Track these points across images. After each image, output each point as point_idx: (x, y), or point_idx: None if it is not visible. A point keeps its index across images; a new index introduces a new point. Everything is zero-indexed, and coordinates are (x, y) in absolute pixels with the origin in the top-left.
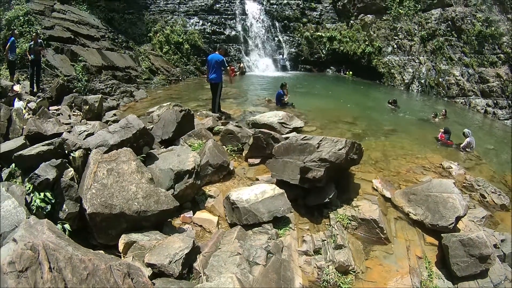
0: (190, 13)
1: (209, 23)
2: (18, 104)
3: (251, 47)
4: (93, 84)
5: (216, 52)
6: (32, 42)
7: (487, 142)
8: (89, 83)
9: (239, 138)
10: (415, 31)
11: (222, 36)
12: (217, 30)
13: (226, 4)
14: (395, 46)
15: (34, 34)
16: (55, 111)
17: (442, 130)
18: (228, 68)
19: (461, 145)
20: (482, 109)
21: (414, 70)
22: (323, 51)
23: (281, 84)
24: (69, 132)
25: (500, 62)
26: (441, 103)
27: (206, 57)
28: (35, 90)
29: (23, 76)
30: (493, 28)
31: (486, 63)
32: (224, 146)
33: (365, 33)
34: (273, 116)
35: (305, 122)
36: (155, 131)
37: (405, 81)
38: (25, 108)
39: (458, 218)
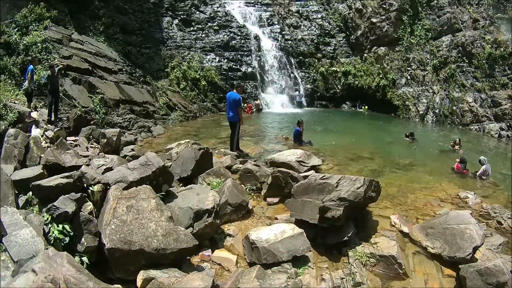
0: (206, 49)
1: (226, 60)
2: (35, 131)
3: (267, 84)
4: (110, 117)
5: (234, 91)
6: (49, 72)
7: (502, 167)
8: (107, 116)
9: (258, 177)
10: (428, 60)
11: (238, 73)
12: (233, 66)
13: (242, 41)
14: (409, 77)
15: (51, 66)
16: (72, 142)
17: (458, 160)
18: (243, 107)
19: (477, 173)
20: (496, 133)
21: (428, 100)
22: (339, 86)
23: (298, 121)
24: (88, 165)
25: (511, 83)
26: (455, 131)
27: (223, 93)
28: (52, 118)
29: (40, 104)
30: (502, 49)
31: (497, 85)
32: (243, 185)
33: (378, 66)
34: (291, 155)
35: (323, 159)
36: (174, 169)
37: (420, 112)
38: (42, 136)
39: (476, 248)
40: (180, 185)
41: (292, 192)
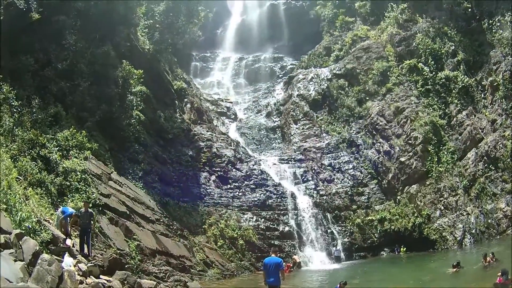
0: (243, 208)
1: (263, 219)
2: (68, 260)
3: (305, 241)
4: (146, 265)
5: (272, 255)
6: (83, 210)
7: None
8: (142, 263)
9: None
10: (458, 184)
11: (276, 232)
12: (270, 226)
13: (278, 199)
14: (442, 207)
15: (86, 203)
16: (106, 282)
17: (499, 274)
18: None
19: None
20: None
21: (463, 224)
22: (375, 234)
23: (341, 283)
24: None
25: None
26: (494, 243)
27: (261, 253)
28: (85, 251)
29: (75, 233)
30: None
31: None
32: None
33: (412, 205)
34: None
35: None
36: None
37: (457, 238)
38: (74, 266)
39: None
40: None
41: None
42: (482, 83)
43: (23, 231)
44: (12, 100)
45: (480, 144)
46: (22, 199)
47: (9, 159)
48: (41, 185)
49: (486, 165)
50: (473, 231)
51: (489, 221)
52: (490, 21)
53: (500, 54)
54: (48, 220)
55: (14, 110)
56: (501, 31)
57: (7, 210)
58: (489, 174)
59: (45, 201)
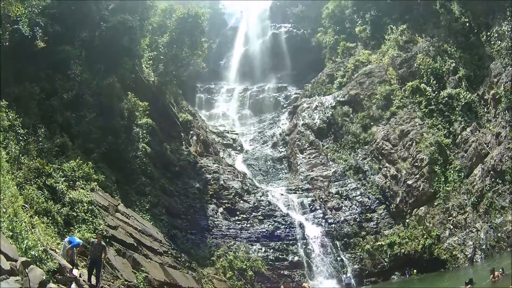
0: (252, 239)
1: (272, 250)
2: None
3: (314, 270)
4: None
5: (282, 286)
6: (95, 241)
7: None
8: None
9: None
10: (466, 201)
11: (285, 262)
12: (280, 256)
13: (287, 230)
14: (451, 226)
15: (99, 235)
16: None
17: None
18: None
19: None
20: None
21: (473, 241)
22: (385, 259)
23: None
24: None
25: None
26: (505, 256)
27: (271, 283)
28: (92, 282)
29: (82, 264)
30: None
31: None
32: None
33: (421, 227)
34: None
35: None
36: None
37: (468, 256)
38: None
39: None
40: None
41: None
42: (485, 97)
43: (29, 259)
44: (18, 128)
45: (486, 159)
46: (28, 227)
47: (15, 187)
48: (47, 214)
49: (493, 179)
50: (483, 246)
51: (498, 234)
52: (488, 33)
53: (500, 66)
54: (55, 250)
55: (20, 138)
56: (499, 41)
57: (13, 237)
58: (496, 188)
59: (51, 230)
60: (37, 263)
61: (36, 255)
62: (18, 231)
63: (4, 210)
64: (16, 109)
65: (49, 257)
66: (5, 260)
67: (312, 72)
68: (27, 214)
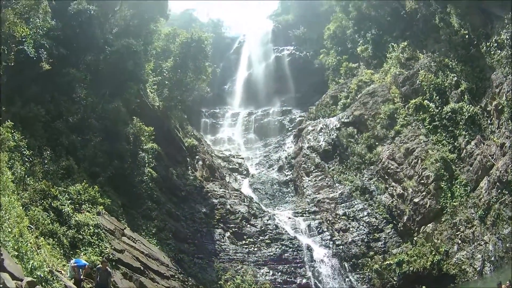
0: (259, 263)
1: (279, 273)
2: None
3: None
4: None
5: None
6: (101, 268)
7: None
8: None
9: None
10: (473, 215)
11: (293, 285)
12: (288, 279)
13: (294, 253)
14: (460, 241)
15: (104, 262)
16: None
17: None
18: None
19: None
20: None
21: (482, 254)
22: (394, 278)
23: None
24: None
25: None
26: None
27: None
28: None
29: (88, 286)
30: None
31: None
32: None
33: (429, 244)
34: None
35: None
36: None
37: (477, 269)
38: None
39: None
40: None
41: None
42: (487, 108)
43: (35, 280)
44: (24, 149)
45: (491, 171)
46: (33, 248)
47: (21, 207)
48: (53, 236)
49: (499, 190)
50: (492, 258)
51: (507, 245)
52: (488, 43)
53: (501, 75)
54: (60, 271)
55: (26, 159)
56: (499, 51)
57: (18, 257)
58: (503, 199)
59: (57, 252)
60: (43, 283)
61: (42, 275)
62: (23, 251)
63: (9, 229)
64: (22, 130)
65: (54, 278)
66: (11, 279)
67: (316, 94)
68: (32, 235)
